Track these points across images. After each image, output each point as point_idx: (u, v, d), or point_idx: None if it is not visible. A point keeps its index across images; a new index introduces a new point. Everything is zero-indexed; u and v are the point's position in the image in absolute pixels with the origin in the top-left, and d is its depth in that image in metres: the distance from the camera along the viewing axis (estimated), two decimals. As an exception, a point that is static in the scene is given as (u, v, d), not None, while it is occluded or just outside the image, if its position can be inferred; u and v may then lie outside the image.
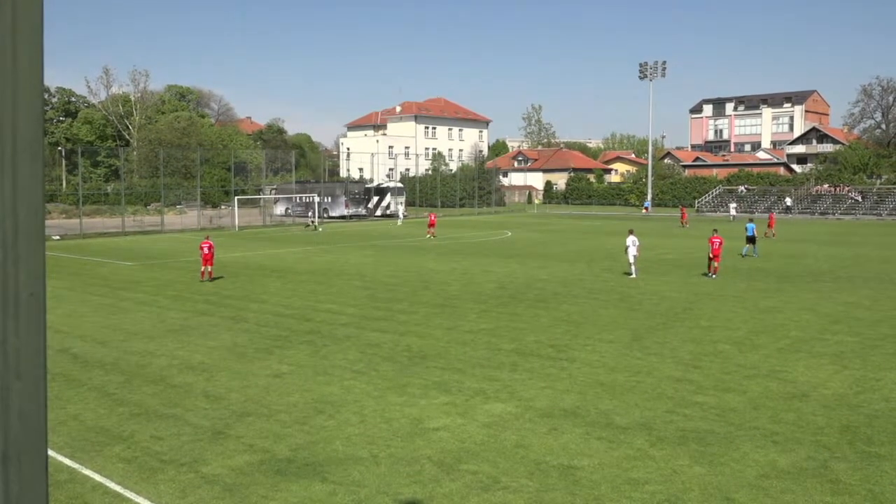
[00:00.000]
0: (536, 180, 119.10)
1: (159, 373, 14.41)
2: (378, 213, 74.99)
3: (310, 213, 62.58)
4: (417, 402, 12.31)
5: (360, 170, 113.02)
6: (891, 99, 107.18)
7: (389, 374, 14.10)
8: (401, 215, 66.36)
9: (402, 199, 77.88)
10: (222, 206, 75.86)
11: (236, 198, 62.86)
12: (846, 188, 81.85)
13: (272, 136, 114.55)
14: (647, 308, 21.12)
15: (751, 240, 35.20)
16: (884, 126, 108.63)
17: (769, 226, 48.46)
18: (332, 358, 15.40)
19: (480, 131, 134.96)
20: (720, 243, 27.81)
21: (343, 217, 70.18)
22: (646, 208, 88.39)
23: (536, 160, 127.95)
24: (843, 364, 14.61)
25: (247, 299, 23.10)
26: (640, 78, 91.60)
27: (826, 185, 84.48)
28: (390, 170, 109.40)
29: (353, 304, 21.96)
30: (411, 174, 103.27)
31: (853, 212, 76.05)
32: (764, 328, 18.18)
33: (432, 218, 50.55)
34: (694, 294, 23.73)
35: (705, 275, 28.18)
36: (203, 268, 27.00)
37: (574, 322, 19.05)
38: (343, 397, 12.59)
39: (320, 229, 58.74)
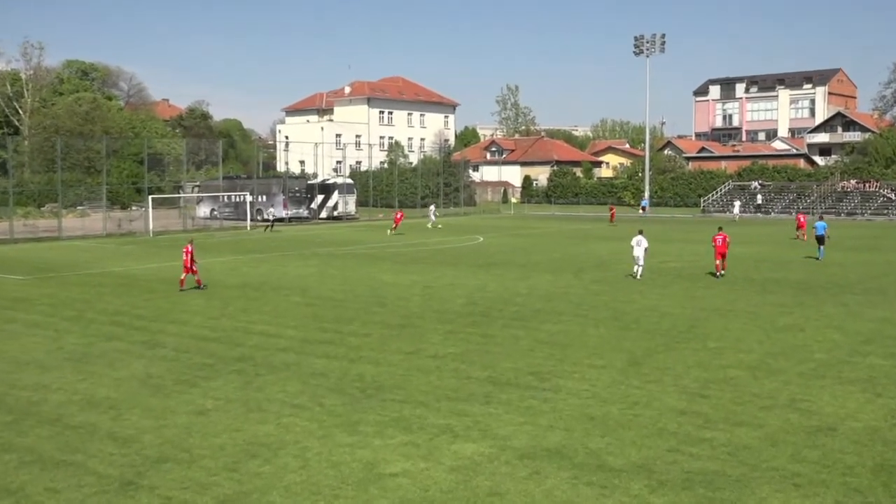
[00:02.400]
0: (513, 175, 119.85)
1: (56, 411, 14.17)
2: (324, 214, 74.77)
3: (269, 211, 63.52)
4: (371, 442, 12.26)
5: (302, 163, 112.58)
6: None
7: (337, 409, 14.04)
8: (432, 216, 66.33)
9: (354, 196, 77.85)
10: (133, 208, 74.98)
11: (151, 197, 62.20)
12: (877, 184, 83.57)
13: (194, 123, 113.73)
14: (644, 327, 21.30)
15: (820, 240, 38.57)
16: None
17: (798, 227, 51.95)
18: (268, 390, 15.29)
19: (446, 117, 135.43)
20: (724, 240, 31.48)
21: (281, 220, 69.86)
22: (643, 208, 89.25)
23: (513, 151, 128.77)
24: (875, 392, 14.86)
25: (164, 320, 22.84)
26: (636, 54, 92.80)
27: (853, 181, 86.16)
28: (338, 163, 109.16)
29: (293, 325, 21.84)
30: (363, 168, 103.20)
31: (885, 212, 77.67)
32: (782, 350, 18.44)
33: (397, 216, 59.30)
34: (699, 309, 24.00)
35: (713, 274, 31.69)
36: (184, 275, 28.81)
37: (559, 344, 19.14)
38: (281, 438, 12.49)
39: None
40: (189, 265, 28.68)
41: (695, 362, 17.23)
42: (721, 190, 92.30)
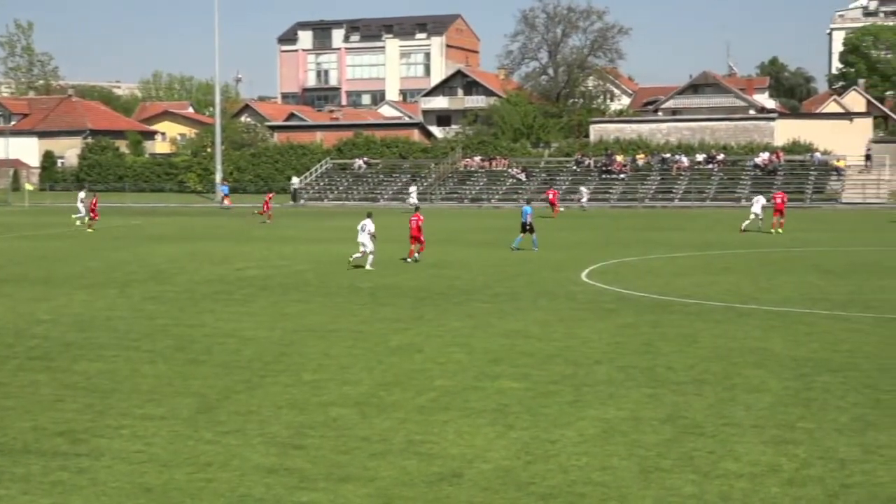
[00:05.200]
0: (28, 150, 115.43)
1: None
2: None
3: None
4: None
5: None
6: (559, 31, 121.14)
7: None
8: (81, 209, 62.50)
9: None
10: None
11: None
12: (504, 162, 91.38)
13: None
14: (219, 358, 21.42)
15: (526, 227, 43.79)
16: (551, 71, 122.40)
17: (551, 203, 63.17)
18: None
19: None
20: (417, 222, 39.20)
21: None
22: (226, 196, 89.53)
23: (27, 116, 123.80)
24: (506, 423, 16.18)
25: None
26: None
27: (478, 158, 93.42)
28: None
29: None
30: None
31: (515, 197, 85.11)
32: (397, 378, 19.44)
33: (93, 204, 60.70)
34: (292, 331, 24.63)
35: (405, 260, 39.53)
36: None
37: (99, 390, 18.66)
38: None
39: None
40: None
41: (287, 402, 17.63)
42: (317, 171, 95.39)
